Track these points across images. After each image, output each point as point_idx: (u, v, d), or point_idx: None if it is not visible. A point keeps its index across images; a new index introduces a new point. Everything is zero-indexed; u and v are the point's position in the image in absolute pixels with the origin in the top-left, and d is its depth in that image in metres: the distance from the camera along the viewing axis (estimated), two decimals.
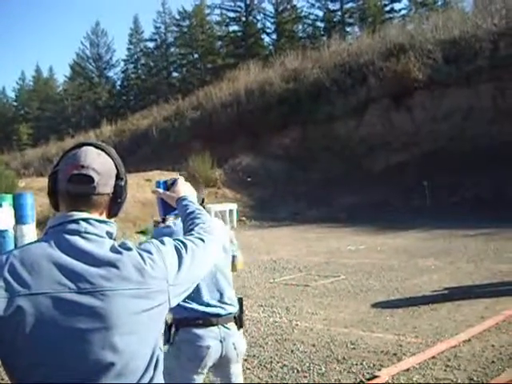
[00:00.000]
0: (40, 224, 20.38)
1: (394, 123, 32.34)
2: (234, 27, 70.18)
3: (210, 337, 3.80)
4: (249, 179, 27.87)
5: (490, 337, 7.10)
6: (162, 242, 2.10)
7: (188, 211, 2.54)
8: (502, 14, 32.41)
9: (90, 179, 1.99)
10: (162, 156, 38.02)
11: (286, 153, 34.79)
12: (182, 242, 2.18)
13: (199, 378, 3.86)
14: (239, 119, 37.85)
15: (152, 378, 1.97)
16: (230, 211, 26.69)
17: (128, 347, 1.89)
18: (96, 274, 1.88)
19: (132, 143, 45.55)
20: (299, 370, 6.36)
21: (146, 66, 76.17)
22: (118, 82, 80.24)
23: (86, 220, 1.98)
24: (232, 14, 68.67)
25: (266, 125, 35.73)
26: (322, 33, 62.52)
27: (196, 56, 72.21)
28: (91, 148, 2.08)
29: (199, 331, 3.79)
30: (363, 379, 5.86)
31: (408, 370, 6.08)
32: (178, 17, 72.84)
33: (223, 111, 40.10)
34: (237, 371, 4.06)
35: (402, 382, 5.77)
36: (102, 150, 2.11)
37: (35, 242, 1.98)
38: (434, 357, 6.44)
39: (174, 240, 2.17)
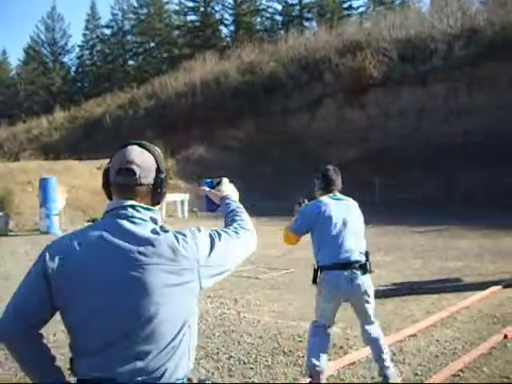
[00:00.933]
0: None
1: (347, 119, 32.57)
2: (192, 17, 70.00)
3: (342, 277, 5.19)
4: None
5: (435, 332, 7.18)
6: (199, 229, 2.52)
7: (230, 209, 3.01)
8: (457, 16, 32.86)
9: (133, 172, 2.43)
10: (115, 144, 36.44)
11: (240, 145, 34.77)
12: (217, 232, 2.61)
13: (335, 307, 5.38)
14: (194, 110, 37.71)
15: (178, 346, 2.37)
16: (182, 201, 26.60)
17: (159, 314, 2.31)
18: (136, 251, 2.32)
19: (85, 130, 45.05)
20: (246, 361, 6.35)
21: (101, 53, 75.37)
22: (73, 68, 79.30)
23: (133, 207, 2.42)
24: (190, 4, 68.49)
25: (221, 116, 35.67)
26: (280, 26, 62.76)
27: (152, 45, 71.72)
28: (136, 147, 2.52)
29: (334, 273, 5.24)
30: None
31: (354, 363, 6.12)
32: (136, 4, 72.26)
33: (178, 101, 39.88)
34: (365, 306, 5.36)
35: (347, 375, 5.80)
36: (145, 148, 2.53)
37: (94, 224, 2.52)
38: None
39: (212, 230, 2.59)
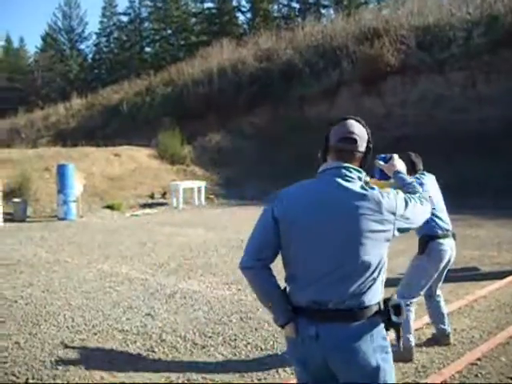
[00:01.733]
0: (6, 196, 20.23)
1: (364, 107, 32.39)
2: (208, 4, 69.87)
3: (447, 245, 6.17)
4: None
5: (453, 320, 7.18)
6: (398, 192, 3.17)
7: (407, 181, 3.62)
8: (476, 4, 32.52)
9: (355, 141, 3.14)
10: (132, 131, 37.65)
11: (257, 132, 34.68)
12: (410, 197, 3.24)
13: (437, 272, 6.17)
14: (210, 97, 37.60)
15: (375, 280, 3.01)
16: (199, 189, 26.63)
17: (364, 252, 2.96)
18: (349, 202, 2.98)
19: (102, 117, 45.05)
20: (263, 348, 6.38)
21: (118, 40, 75.52)
22: (90, 55, 79.61)
23: (347, 168, 3.09)
24: None
25: (238, 103, 35.59)
26: (297, 14, 62.41)
27: (169, 32, 71.73)
28: (353, 121, 3.20)
29: (441, 241, 6.12)
30: None
31: None
32: None
33: (195, 88, 39.75)
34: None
35: None
36: (360, 122, 3.22)
37: (313, 180, 3.21)
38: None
39: (405, 194, 3.24)
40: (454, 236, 6.33)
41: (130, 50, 72.84)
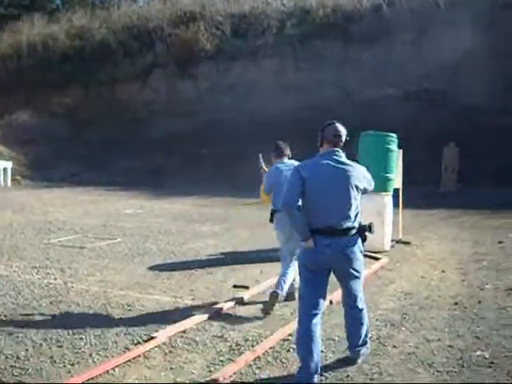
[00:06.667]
0: None
1: (177, 91, 32.41)
2: None
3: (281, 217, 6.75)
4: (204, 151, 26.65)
5: (264, 298, 7.29)
6: (365, 170, 5.21)
7: None
8: None
9: (341, 136, 5.06)
10: None
11: (67, 112, 33.74)
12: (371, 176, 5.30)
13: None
14: (19, 73, 36.09)
15: (357, 212, 5.04)
16: (4, 169, 25.48)
17: (351, 196, 4.94)
18: (344, 168, 4.96)
19: None
20: (75, 332, 6.12)
21: None
22: None
23: (338, 151, 5.03)
24: None
25: (48, 81, 34.42)
26: None
27: None
28: (339, 124, 5.12)
29: (279, 215, 7.07)
30: (140, 340, 5.77)
31: (185, 331, 6.09)
32: None
33: (2, 64, 37.96)
34: None
35: (179, 343, 5.76)
36: (341, 125, 5.14)
37: (320, 157, 5.08)
38: (210, 318, 6.51)
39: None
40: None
41: None
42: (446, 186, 21.62)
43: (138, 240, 12.08)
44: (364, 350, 5.30)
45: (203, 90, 31.99)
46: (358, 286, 5.19)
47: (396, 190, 11.68)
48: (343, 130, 5.12)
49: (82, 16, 41.81)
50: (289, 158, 7.60)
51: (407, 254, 10.75)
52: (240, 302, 7.17)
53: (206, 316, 6.51)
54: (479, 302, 7.28)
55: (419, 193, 19.01)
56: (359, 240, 5.07)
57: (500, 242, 11.58)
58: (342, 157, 5.05)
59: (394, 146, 11.15)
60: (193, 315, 6.50)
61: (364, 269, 5.74)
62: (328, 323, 6.21)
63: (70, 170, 28.39)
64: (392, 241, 11.55)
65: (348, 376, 5.00)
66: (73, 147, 29.94)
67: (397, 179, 11.60)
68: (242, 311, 6.89)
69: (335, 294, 6.68)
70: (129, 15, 39.34)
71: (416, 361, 5.33)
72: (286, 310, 6.89)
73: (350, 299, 5.22)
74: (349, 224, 4.96)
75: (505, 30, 24.36)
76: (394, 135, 11.18)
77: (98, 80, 34.20)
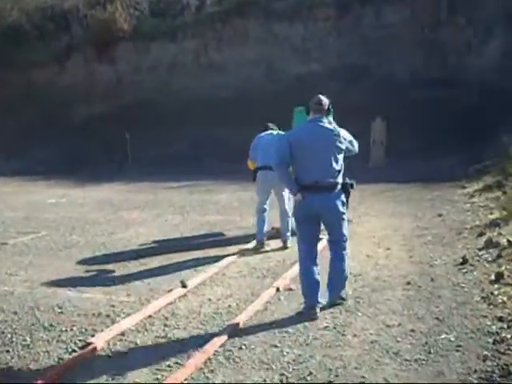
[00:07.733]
0: None
1: (96, 73, 31.47)
2: None
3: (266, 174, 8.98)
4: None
5: (206, 290, 6.82)
6: (347, 133, 6.20)
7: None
8: None
9: (322, 104, 6.09)
10: None
11: None
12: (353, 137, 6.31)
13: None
14: None
15: (340, 170, 6.03)
16: None
17: (335, 156, 5.97)
18: (327, 132, 5.99)
19: None
20: (0, 343, 5.46)
21: None
22: None
23: (321, 117, 6.04)
24: None
25: None
26: None
27: None
28: (320, 95, 6.16)
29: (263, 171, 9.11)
30: (76, 348, 5.17)
31: (124, 333, 5.56)
32: None
33: None
34: None
35: (119, 347, 5.20)
36: (323, 95, 6.18)
37: (307, 123, 6.19)
38: (150, 316, 5.99)
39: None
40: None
41: None
42: (374, 161, 21.51)
43: (63, 232, 11.33)
44: (343, 292, 6.26)
45: (123, 72, 31.09)
46: (343, 224, 6.12)
47: None
48: (325, 100, 6.12)
49: None
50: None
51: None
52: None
53: (147, 312, 5.97)
54: (432, 279, 7.01)
55: (348, 168, 18.79)
56: (343, 195, 6.01)
57: (440, 215, 11.36)
58: (325, 122, 6.02)
59: None
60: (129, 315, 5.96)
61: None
62: (278, 311, 5.78)
63: None
64: None
65: (311, 373, 4.56)
66: None
67: None
68: (182, 308, 6.37)
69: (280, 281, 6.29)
70: None
71: (380, 350, 4.99)
72: (231, 301, 6.41)
73: (336, 236, 6.17)
74: (332, 180, 5.91)
75: (428, 1, 24.41)
76: None
77: (13, 65, 32.83)
